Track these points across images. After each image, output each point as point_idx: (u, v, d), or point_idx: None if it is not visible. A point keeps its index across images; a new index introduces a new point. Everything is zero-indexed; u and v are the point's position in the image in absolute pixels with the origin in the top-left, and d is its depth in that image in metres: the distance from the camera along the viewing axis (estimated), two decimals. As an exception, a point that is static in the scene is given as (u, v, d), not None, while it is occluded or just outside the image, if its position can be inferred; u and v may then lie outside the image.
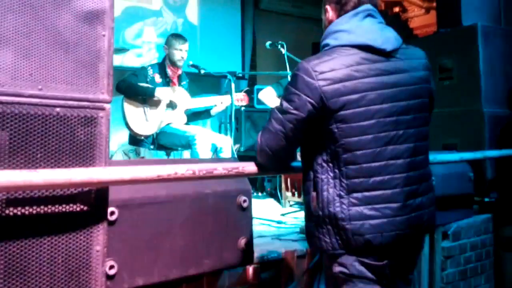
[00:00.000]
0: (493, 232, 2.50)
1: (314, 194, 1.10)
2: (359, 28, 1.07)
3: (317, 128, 1.08)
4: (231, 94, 2.76)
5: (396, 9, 5.75)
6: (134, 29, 4.04)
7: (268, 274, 1.67)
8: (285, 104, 1.09)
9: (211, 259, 1.43)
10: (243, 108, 3.51)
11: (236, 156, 2.82)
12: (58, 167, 1.06)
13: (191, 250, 1.39)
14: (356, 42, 1.06)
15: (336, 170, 1.07)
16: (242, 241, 1.50)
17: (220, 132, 3.66)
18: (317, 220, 1.10)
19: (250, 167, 1.39)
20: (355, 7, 1.10)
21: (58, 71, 1.12)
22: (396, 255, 1.10)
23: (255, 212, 1.85)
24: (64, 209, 1.09)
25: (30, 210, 1.04)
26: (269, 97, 3.14)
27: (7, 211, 1.01)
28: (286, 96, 1.10)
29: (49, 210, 1.06)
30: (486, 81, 2.70)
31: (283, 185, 3.05)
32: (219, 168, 1.30)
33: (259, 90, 3.55)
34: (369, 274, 1.08)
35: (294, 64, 3.05)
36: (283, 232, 2.16)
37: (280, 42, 2.96)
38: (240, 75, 3.01)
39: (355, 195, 1.05)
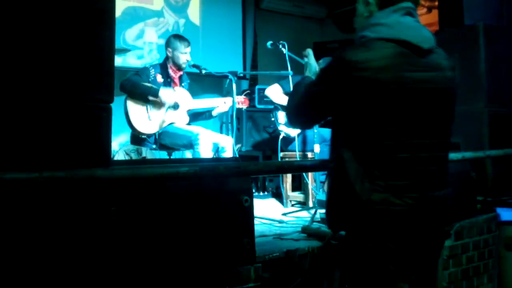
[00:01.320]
0: (496, 232, 2.50)
1: None
2: (399, 24, 1.10)
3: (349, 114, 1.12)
4: (232, 94, 2.76)
5: (398, 9, 5.73)
6: (134, 29, 4.02)
7: (269, 273, 1.67)
8: (314, 84, 1.20)
9: (212, 258, 1.43)
10: (244, 108, 3.51)
11: (237, 155, 2.82)
12: (61, 166, 1.07)
13: (192, 250, 1.39)
14: (395, 37, 1.08)
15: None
16: (244, 241, 1.50)
17: (221, 132, 3.67)
18: None
19: (251, 166, 1.38)
20: (397, 2, 1.13)
21: (59, 71, 1.12)
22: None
23: (256, 211, 1.85)
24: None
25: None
26: (276, 93, 3.15)
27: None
28: (317, 78, 1.21)
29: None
30: (489, 80, 2.69)
31: (285, 185, 3.05)
32: (221, 168, 1.30)
33: (260, 90, 3.55)
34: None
35: (295, 64, 3.07)
36: (285, 231, 2.15)
37: (281, 41, 2.96)
38: (241, 75, 3.02)
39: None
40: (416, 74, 1.08)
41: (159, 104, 2.73)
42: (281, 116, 3.03)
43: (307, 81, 1.32)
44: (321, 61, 1.56)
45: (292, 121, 1.38)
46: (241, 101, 2.86)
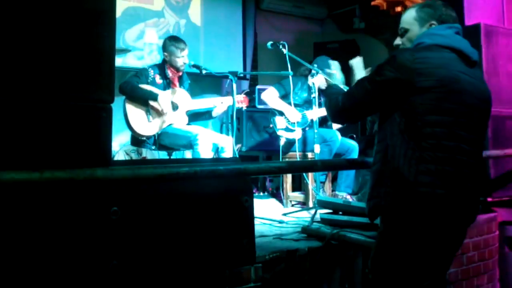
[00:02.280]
0: (496, 232, 2.49)
1: None
2: (454, 36, 1.31)
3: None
4: (232, 95, 2.76)
5: (398, 9, 5.73)
6: (135, 30, 4.00)
7: (269, 274, 1.67)
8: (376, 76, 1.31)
9: (212, 259, 1.43)
10: (244, 108, 3.51)
11: (237, 155, 2.82)
12: (62, 166, 1.07)
13: (192, 250, 1.39)
14: (450, 44, 1.27)
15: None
16: (244, 241, 1.50)
17: (221, 132, 3.66)
18: None
19: (251, 167, 1.38)
20: (450, 23, 1.34)
21: (60, 71, 1.12)
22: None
23: (256, 211, 1.85)
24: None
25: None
26: (271, 97, 3.15)
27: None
28: (374, 73, 1.32)
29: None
30: (489, 80, 2.68)
31: (285, 185, 3.05)
32: (221, 168, 1.30)
33: (260, 90, 3.55)
34: None
35: (295, 64, 3.07)
36: (285, 232, 2.15)
37: (281, 42, 2.96)
38: (242, 75, 3.01)
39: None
40: (469, 78, 1.26)
41: (158, 109, 2.73)
42: (279, 121, 3.02)
43: (339, 89, 1.48)
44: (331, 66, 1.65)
45: (341, 119, 1.48)
46: (240, 100, 2.85)
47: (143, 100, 2.70)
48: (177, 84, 2.87)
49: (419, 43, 1.31)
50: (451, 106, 1.22)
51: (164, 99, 2.71)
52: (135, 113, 2.71)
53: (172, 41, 2.83)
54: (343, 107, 1.36)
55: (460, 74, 1.24)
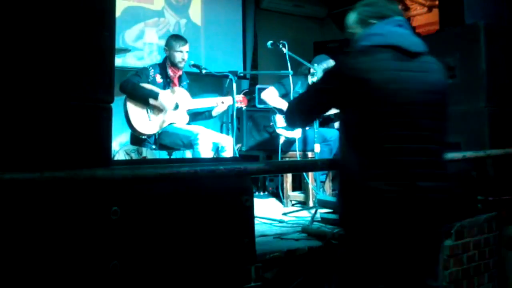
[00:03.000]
0: (497, 231, 2.49)
1: None
2: (391, 32, 1.27)
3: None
4: (232, 94, 2.76)
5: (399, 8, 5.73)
6: (134, 30, 3.98)
7: (270, 273, 1.67)
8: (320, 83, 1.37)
9: (213, 258, 1.43)
10: (244, 108, 3.51)
11: (238, 155, 2.82)
12: (62, 167, 1.07)
13: (193, 249, 1.39)
14: (386, 42, 1.24)
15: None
16: (244, 240, 1.50)
17: (221, 131, 3.67)
18: None
19: (251, 166, 1.39)
20: (382, 18, 1.31)
21: (60, 71, 1.12)
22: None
23: (257, 211, 1.85)
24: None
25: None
26: (271, 96, 3.14)
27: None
28: (321, 79, 1.39)
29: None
30: (489, 79, 2.68)
31: (285, 184, 3.04)
32: (221, 168, 1.30)
33: (260, 89, 3.55)
34: None
35: (295, 64, 3.07)
36: (285, 231, 2.15)
37: (281, 41, 2.96)
38: (242, 74, 3.01)
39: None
40: (406, 74, 1.22)
41: (159, 107, 2.73)
42: (279, 120, 3.02)
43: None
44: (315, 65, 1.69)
45: (291, 120, 1.50)
46: (239, 100, 2.85)
47: (144, 98, 2.70)
48: (177, 83, 2.87)
49: (358, 46, 1.30)
50: (387, 110, 1.19)
51: (165, 97, 2.71)
52: (136, 112, 2.71)
53: (173, 37, 2.87)
54: (291, 109, 1.42)
55: (396, 72, 1.21)
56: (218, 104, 2.87)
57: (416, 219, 1.19)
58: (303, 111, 1.39)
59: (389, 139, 1.19)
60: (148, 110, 2.73)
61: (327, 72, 1.34)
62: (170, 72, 2.82)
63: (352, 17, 1.38)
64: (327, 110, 1.37)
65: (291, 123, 1.56)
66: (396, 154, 1.19)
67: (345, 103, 1.25)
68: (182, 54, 2.79)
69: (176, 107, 2.80)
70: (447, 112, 1.30)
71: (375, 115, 1.20)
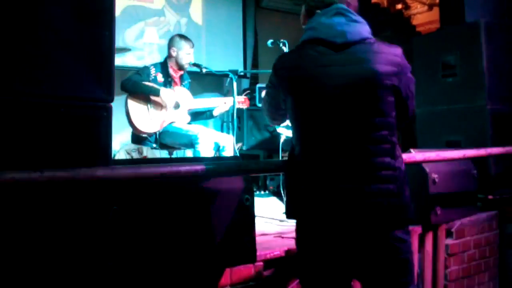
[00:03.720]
0: (497, 229, 2.49)
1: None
2: (320, 24, 1.20)
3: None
4: (233, 93, 2.76)
5: (399, 6, 5.73)
6: (134, 29, 3.97)
7: (271, 272, 1.67)
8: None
9: (213, 257, 1.43)
10: (245, 107, 3.51)
11: (238, 154, 2.82)
12: (62, 166, 1.07)
13: (193, 248, 1.39)
14: (314, 36, 1.19)
15: None
16: (245, 239, 1.50)
17: (222, 131, 3.67)
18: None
19: (252, 165, 1.39)
20: (325, 7, 1.23)
21: (60, 70, 1.12)
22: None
23: (257, 210, 1.85)
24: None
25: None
26: None
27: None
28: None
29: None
30: (490, 77, 2.68)
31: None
32: (221, 167, 1.30)
33: (261, 88, 3.55)
34: None
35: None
36: (286, 230, 2.15)
37: (281, 40, 2.96)
38: (242, 73, 3.01)
39: None
40: (328, 69, 1.15)
41: (160, 104, 2.73)
42: None
43: None
44: None
45: (268, 120, 1.50)
46: (241, 101, 2.86)
47: (145, 95, 2.70)
48: (179, 83, 2.87)
49: (299, 42, 1.25)
50: (311, 108, 1.16)
51: (166, 94, 2.71)
52: (137, 110, 2.72)
53: (182, 38, 2.86)
54: (262, 109, 1.43)
55: (318, 69, 1.15)
56: (220, 104, 2.87)
57: (344, 223, 1.13)
58: (265, 113, 1.41)
59: (312, 139, 1.17)
60: (149, 108, 2.74)
61: (270, 75, 1.32)
62: (171, 71, 2.82)
63: (302, 9, 1.33)
64: (282, 110, 1.31)
65: (267, 121, 1.55)
66: (318, 152, 1.16)
67: (284, 101, 1.24)
68: (190, 56, 2.80)
69: (177, 106, 2.81)
70: (385, 105, 1.15)
71: (301, 114, 1.19)
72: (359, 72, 1.14)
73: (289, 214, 1.29)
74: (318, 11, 1.23)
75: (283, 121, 1.41)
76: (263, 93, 3.12)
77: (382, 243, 1.14)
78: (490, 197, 2.54)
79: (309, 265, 1.21)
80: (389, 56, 1.16)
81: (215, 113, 2.92)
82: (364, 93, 1.14)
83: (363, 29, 1.19)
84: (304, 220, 1.22)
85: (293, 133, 1.26)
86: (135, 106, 2.71)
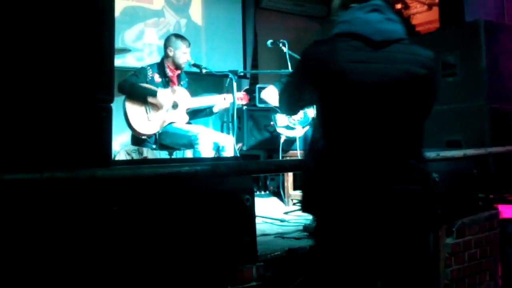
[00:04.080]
0: (498, 228, 2.49)
1: None
2: (357, 19, 1.17)
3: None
4: (233, 93, 2.76)
5: (398, 6, 5.73)
6: (134, 30, 3.95)
7: (271, 272, 1.67)
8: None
9: (214, 258, 1.43)
10: (245, 107, 3.51)
11: (238, 155, 2.82)
12: (62, 167, 1.07)
13: (194, 249, 1.39)
14: (348, 30, 1.16)
15: None
16: (245, 240, 1.50)
17: (222, 131, 3.66)
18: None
19: (252, 165, 1.38)
20: (362, 1, 1.20)
21: (60, 71, 1.12)
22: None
23: (258, 210, 1.85)
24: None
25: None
26: (272, 96, 3.14)
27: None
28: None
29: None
30: (490, 77, 2.68)
31: (286, 184, 3.04)
32: (222, 167, 1.30)
33: (261, 89, 3.54)
34: None
35: (295, 63, 3.05)
36: (286, 230, 2.15)
37: (281, 40, 2.95)
38: (242, 74, 3.01)
39: None
40: (364, 65, 1.12)
41: (157, 106, 2.73)
42: (280, 119, 3.02)
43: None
44: None
45: (279, 108, 1.49)
46: (240, 97, 2.85)
47: (142, 97, 2.70)
48: (176, 82, 2.87)
49: (330, 34, 1.22)
50: (342, 103, 1.13)
51: (163, 95, 2.70)
52: (135, 112, 2.71)
53: (178, 37, 2.86)
54: (279, 101, 1.42)
55: (353, 64, 1.12)
56: (218, 102, 2.87)
57: (373, 221, 1.11)
58: (283, 102, 1.39)
59: (341, 135, 1.13)
60: (147, 110, 2.73)
61: (295, 65, 1.31)
62: (168, 71, 2.82)
63: (336, 2, 1.30)
64: (302, 101, 1.32)
65: (281, 111, 1.54)
66: (346, 151, 1.12)
67: (311, 94, 1.20)
68: (186, 55, 2.80)
69: (176, 106, 2.80)
70: (416, 108, 1.15)
71: (330, 108, 1.15)
72: (395, 72, 1.12)
73: (308, 209, 1.23)
74: (354, 5, 1.20)
75: (297, 112, 1.45)
76: (266, 94, 3.13)
77: (409, 242, 1.14)
78: (491, 196, 2.54)
79: (331, 261, 1.16)
80: (424, 59, 1.16)
81: (215, 109, 2.92)
82: (398, 93, 1.12)
83: (399, 28, 1.17)
84: (327, 216, 1.16)
85: (318, 127, 1.21)
86: (133, 109, 2.70)
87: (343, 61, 1.13)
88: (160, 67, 2.82)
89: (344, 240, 1.14)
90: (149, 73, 2.77)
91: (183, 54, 2.79)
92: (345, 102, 1.13)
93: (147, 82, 2.75)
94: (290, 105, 1.37)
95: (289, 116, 2.73)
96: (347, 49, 1.14)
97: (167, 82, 2.82)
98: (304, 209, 1.27)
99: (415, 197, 1.13)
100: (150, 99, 2.70)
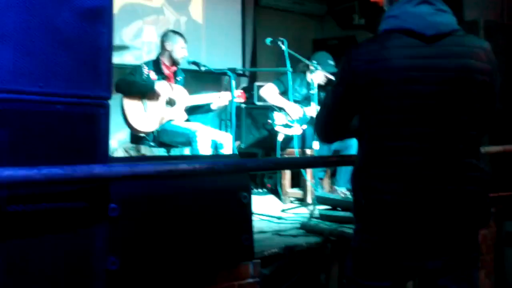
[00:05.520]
0: (494, 227, 2.50)
1: None
2: (406, 13, 1.10)
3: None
4: (231, 91, 2.76)
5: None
6: (132, 28, 3.91)
7: (268, 269, 1.68)
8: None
9: (211, 255, 1.44)
10: (243, 105, 3.51)
11: (236, 152, 2.82)
12: (59, 163, 1.07)
13: (191, 246, 1.39)
14: (399, 26, 1.09)
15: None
16: (243, 237, 1.51)
17: (220, 129, 3.67)
18: None
19: (249, 163, 1.39)
20: None
21: (58, 68, 1.12)
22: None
23: (255, 208, 1.86)
24: (65, 206, 1.09)
25: (32, 207, 1.05)
26: (270, 93, 3.14)
27: (8, 209, 1.02)
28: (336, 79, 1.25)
29: (50, 207, 1.07)
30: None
31: (283, 181, 3.05)
32: (219, 164, 1.30)
33: (259, 87, 3.55)
34: None
35: (294, 61, 3.06)
36: (283, 228, 2.16)
37: (280, 38, 2.96)
38: (241, 72, 3.01)
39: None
40: (418, 61, 1.06)
41: (156, 99, 2.72)
42: (278, 117, 3.02)
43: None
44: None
45: (323, 135, 1.29)
46: (237, 95, 2.85)
47: (141, 92, 2.70)
48: (172, 79, 2.87)
49: (378, 31, 1.15)
50: (393, 103, 1.07)
51: (161, 85, 2.70)
52: (133, 110, 2.71)
53: (175, 32, 2.87)
54: (317, 121, 1.25)
55: (407, 60, 1.06)
56: (216, 99, 2.87)
57: (415, 223, 1.07)
58: (324, 123, 1.23)
59: (392, 137, 1.08)
60: (145, 107, 2.73)
61: (339, 70, 1.20)
62: (164, 68, 2.82)
63: None
64: (349, 116, 1.18)
65: (325, 139, 1.32)
66: (400, 153, 1.07)
67: (355, 97, 1.12)
68: (184, 50, 2.79)
69: (173, 103, 2.80)
70: (477, 103, 1.08)
71: (380, 108, 1.08)
72: (453, 67, 1.06)
73: (362, 218, 1.14)
74: None
75: (342, 136, 1.25)
76: (264, 91, 3.14)
77: (464, 242, 1.11)
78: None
79: (377, 256, 1.11)
80: (481, 51, 1.11)
81: (213, 107, 2.92)
82: (458, 89, 1.06)
83: (452, 19, 1.11)
84: (381, 222, 1.09)
85: (368, 131, 1.12)
86: (131, 106, 2.70)
87: (397, 57, 1.06)
88: (155, 64, 2.81)
89: (398, 242, 1.09)
90: (145, 70, 2.77)
91: (181, 49, 2.78)
92: (401, 101, 1.07)
93: (143, 80, 2.75)
94: (333, 125, 1.21)
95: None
96: (398, 45, 1.07)
97: (163, 79, 2.82)
98: (358, 219, 1.17)
99: (474, 198, 1.09)
100: (148, 94, 2.70)
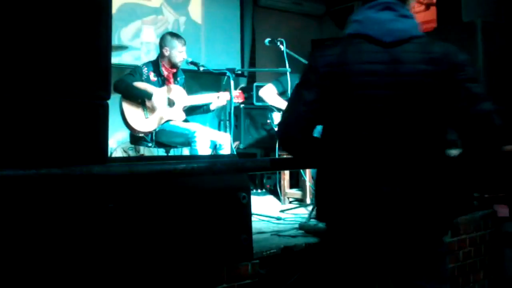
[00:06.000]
0: (493, 228, 2.51)
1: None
2: (368, 19, 1.13)
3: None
4: (230, 91, 2.76)
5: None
6: (131, 28, 3.90)
7: (267, 270, 1.67)
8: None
9: (210, 255, 1.43)
10: (242, 105, 3.51)
11: (235, 153, 2.82)
12: (58, 163, 1.07)
13: (190, 247, 1.39)
14: (360, 32, 1.13)
15: None
16: (242, 237, 1.51)
17: (219, 129, 3.66)
18: None
19: (248, 163, 1.39)
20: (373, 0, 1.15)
21: (57, 68, 1.12)
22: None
23: (254, 208, 1.85)
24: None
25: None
26: (269, 94, 3.14)
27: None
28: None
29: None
30: (486, 76, 2.69)
31: (282, 182, 3.05)
32: (218, 165, 1.30)
33: (258, 87, 3.55)
34: None
35: (293, 61, 3.06)
36: (282, 228, 2.16)
37: (279, 39, 2.96)
38: (239, 72, 3.01)
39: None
40: (376, 66, 1.09)
41: (153, 107, 2.73)
42: (277, 117, 3.02)
43: None
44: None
45: (283, 141, 1.23)
46: (236, 95, 2.84)
47: (138, 99, 2.69)
48: (172, 81, 2.86)
49: (343, 35, 1.17)
50: (349, 106, 1.09)
51: (158, 97, 2.70)
52: (132, 110, 2.71)
53: (173, 36, 2.84)
54: (280, 128, 1.20)
55: (364, 66, 1.09)
56: (214, 99, 2.86)
57: (370, 223, 1.09)
58: (287, 125, 1.18)
59: (354, 139, 1.10)
60: (144, 108, 2.73)
61: (303, 69, 1.21)
62: (163, 70, 2.81)
63: None
64: (315, 117, 1.16)
65: (285, 146, 1.26)
66: (355, 156, 1.09)
67: (321, 98, 1.13)
68: (182, 54, 2.79)
69: (172, 104, 2.80)
70: (433, 107, 1.10)
71: (339, 111, 1.11)
72: (407, 71, 1.09)
73: (323, 217, 1.19)
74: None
75: (305, 139, 1.18)
76: (264, 92, 3.13)
77: (427, 247, 1.12)
78: (485, 195, 2.55)
79: (341, 265, 1.15)
80: (438, 55, 1.11)
81: (212, 107, 2.92)
82: (412, 93, 1.09)
83: (412, 25, 1.13)
84: (341, 223, 1.14)
85: (328, 133, 1.16)
86: (129, 107, 2.70)
87: (356, 63, 1.10)
88: (155, 66, 2.81)
89: (359, 247, 1.12)
90: (145, 71, 2.76)
91: (179, 53, 2.78)
92: (357, 104, 1.09)
93: (142, 81, 2.74)
94: (297, 128, 1.17)
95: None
96: (359, 51, 1.10)
97: (162, 81, 2.81)
98: (320, 218, 1.22)
99: (436, 199, 1.10)
100: (146, 101, 2.70)
